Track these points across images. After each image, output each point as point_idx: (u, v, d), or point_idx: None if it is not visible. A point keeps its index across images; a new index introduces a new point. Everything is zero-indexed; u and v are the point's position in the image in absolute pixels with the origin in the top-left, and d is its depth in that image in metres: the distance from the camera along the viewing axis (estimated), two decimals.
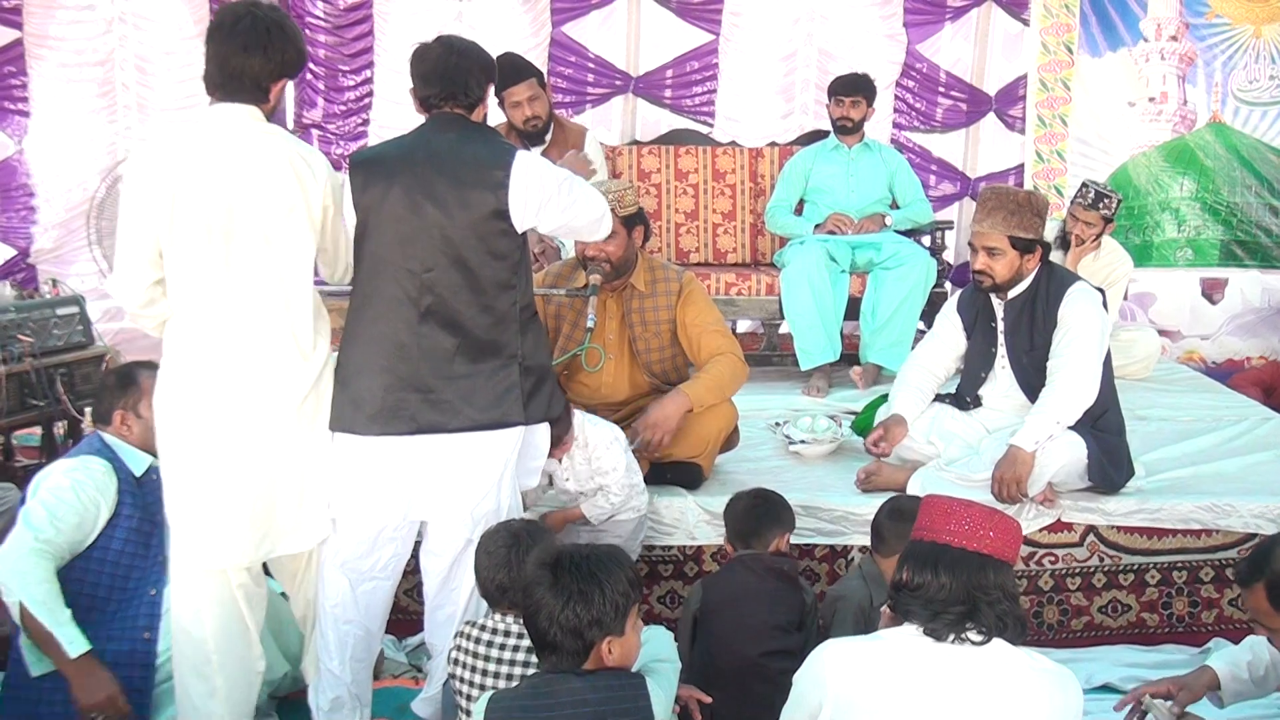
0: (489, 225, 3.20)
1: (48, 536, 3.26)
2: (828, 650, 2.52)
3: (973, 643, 2.42)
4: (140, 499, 3.48)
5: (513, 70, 5.75)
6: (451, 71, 3.28)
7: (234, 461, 3.11)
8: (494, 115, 5.90)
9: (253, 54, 3.06)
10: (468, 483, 3.29)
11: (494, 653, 3.00)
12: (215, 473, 3.11)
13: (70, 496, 3.34)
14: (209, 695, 3.23)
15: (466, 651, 3.03)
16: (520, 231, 3.28)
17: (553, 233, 3.42)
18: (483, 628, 3.05)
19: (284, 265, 3.11)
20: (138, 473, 3.51)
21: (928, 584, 2.47)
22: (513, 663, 2.96)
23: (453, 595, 3.39)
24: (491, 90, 3.41)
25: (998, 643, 2.44)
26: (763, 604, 3.37)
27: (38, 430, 5.21)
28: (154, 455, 3.39)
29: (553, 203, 3.28)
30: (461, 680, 3.02)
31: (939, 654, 2.43)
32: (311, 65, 7.25)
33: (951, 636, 2.43)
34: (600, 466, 3.86)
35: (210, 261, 3.06)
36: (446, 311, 3.21)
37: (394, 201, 3.19)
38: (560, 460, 3.83)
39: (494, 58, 3.46)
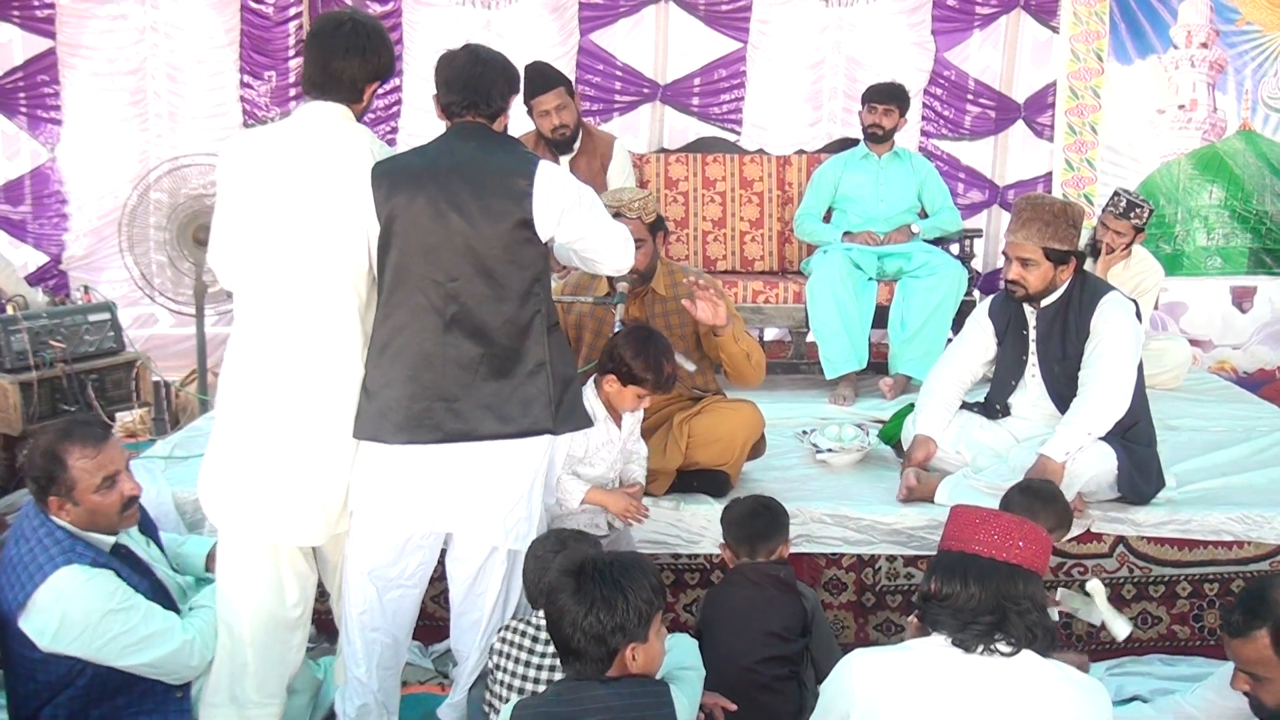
0: (514, 234, 3.20)
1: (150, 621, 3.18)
2: (856, 659, 2.51)
3: (1001, 654, 2.41)
4: (127, 573, 3.23)
5: (541, 79, 5.76)
6: (475, 80, 3.29)
7: (295, 441, 3.21)
8: (522, 124, 5.97)
9: (352, 56, 3.22)
10: (496, 492, 3.28)
11: (537, 647, 3.04)
12: (275, 451, 3.21)
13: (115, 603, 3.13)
14: (240, 672, 3.27)
15: (510, 644, 3.09)
16: (544, 240, 3.28)
17: (575, 249, 3.39)
18: (526, 623, 3.11)
19: (350, 252, 3.21)
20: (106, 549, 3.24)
21: (956, 594, 2.46)
22: (553, 668, 2.99)
23: (478, 602, 3.38)
24: (514, 101, 3.42)
25: (1026, 653, 2.43)
26: (760, 612, 3.37)
27: None
28: (103, 533, 3.20)
29: (575, 211, 3.28)
30: (502, 673, 3.07)
31: (967, 664, 2.42)
32: None
33: (980, 648, 2.41)
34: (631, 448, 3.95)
35: (278, 242, 3.18)
36: (472, 321, 3.21)
37: (418, 211, 3.19)
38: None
39: (519, 69, 3.48)
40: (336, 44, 3.22)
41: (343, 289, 3.21)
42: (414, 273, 3.21)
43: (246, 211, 3.20)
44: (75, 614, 3.03)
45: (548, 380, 3.27)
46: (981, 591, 2.44)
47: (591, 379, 3.83)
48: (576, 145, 5.90)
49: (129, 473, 3.26)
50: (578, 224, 3.32)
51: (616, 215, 4.11)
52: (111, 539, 3.24)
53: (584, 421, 3.46)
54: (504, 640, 3.12)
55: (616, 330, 3.99)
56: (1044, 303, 4.17)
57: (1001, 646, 2.42)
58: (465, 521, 3.32)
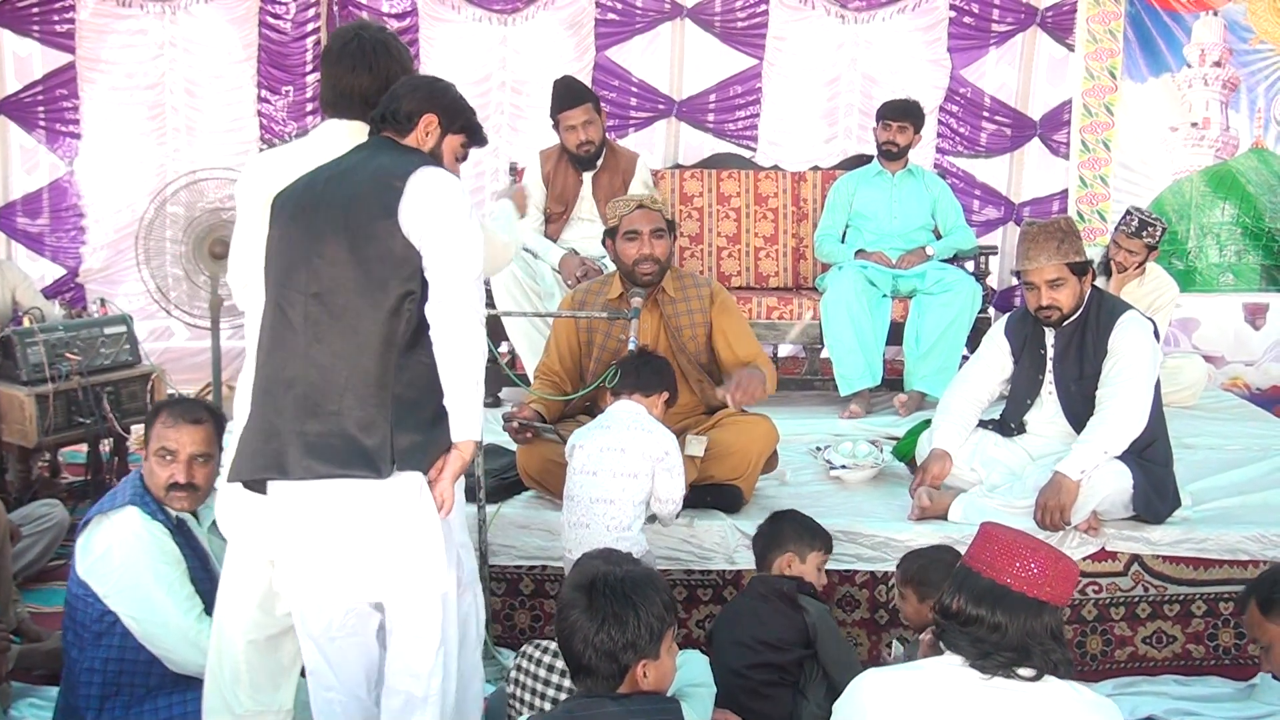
0: (379, 237, 2.79)
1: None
2: (867, 679, 2.49)
3: (1022, 678, 2.38)
4: (180, 543, 3.45)
5: (569, 94, 5.78)
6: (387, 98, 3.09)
7: None
8: (546, 138, 5.99)
9: (360, 72, 3.17)
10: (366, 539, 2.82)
11: (558, 663, 3.06)
12: None
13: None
14: (234, 680, 3.21)
15: (530, 660, 3.12)
16: (411, 241, 2.76)
17: (430, 252, 2.79)
18: (545, 649, 3.12)
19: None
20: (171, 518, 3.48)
21: (982, 621, 2.40)
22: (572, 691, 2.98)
23: (403, 680, 2.88)
24: (433, 125, 3.01)
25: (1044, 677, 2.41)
26: (758, 622, 3.41)
27: (84, 448, 5.28)
28: (156, 500, 3.43)
29: (445, 218, 2.79)
30: (520, 689, 3.10)
31: (981, 686, 2.39)
32: None
33: (999, 673, 2.39)
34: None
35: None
36: (330, 341, 2.78)
37: (283, 224, 2.92)
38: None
39: (444, 92, 3.12)
40: (344, 62, 3.18)
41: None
42: (277, 286, 2.91)
43: (262, 233, 3.11)
44: (118, 549, 3.32)
45: (396, 412, 2.76)
46: (1009, 624, 2.39)
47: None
48: (599, 162, 5.91)
49: (198, 464, 3.41)
50: (444, 233, 2.83)
51: (640, 206, 4.23)
52: (174, 512, 3.45)
53: (423, 464, 2.79)
54: (525, 656, 3.13)
55: (632, 345, 4.00)
56: (1063, 323, 4.17)
57: (1023, 672, 2.38)
58: (336, 576, 2.89)
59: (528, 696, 3.09)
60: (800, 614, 3.43)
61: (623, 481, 3.69)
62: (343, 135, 3.15)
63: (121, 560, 3.31)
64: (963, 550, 2.61)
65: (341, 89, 3.18)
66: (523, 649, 3.17)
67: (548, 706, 3.00)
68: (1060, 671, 2.40)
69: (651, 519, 3.93)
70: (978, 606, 2.42)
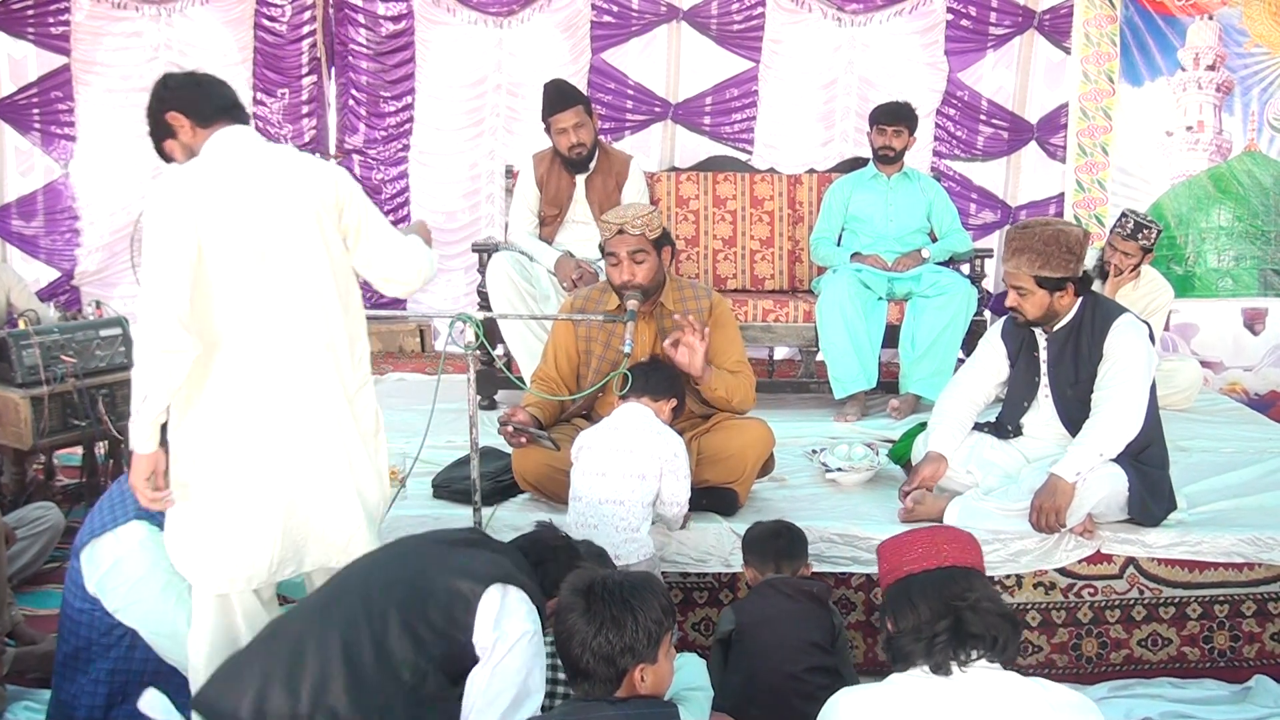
0: None
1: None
2: (843, 699, 2.52)
3: (976, 663, 2.42)
4: None
5: (560, 97, 5.76)
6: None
7: (269, 483, 3.11)
8: (541, 141, 5.99)
9: (221, 84, 3.25)
10: None
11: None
12: (253, 495, 3.10)
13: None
14: None
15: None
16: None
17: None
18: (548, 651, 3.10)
19: (316, 279, 3.14)
20: None
21: (910, 618, 2.50)
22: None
23: None
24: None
25: (1011, 675, 2.43)
26: (798, 623, 3.38)
27: (79, 450, 5.28)
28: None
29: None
30: None
31: (949, 690, 2.43)
32: (353, 91, 7.35)
33: (955, 665, 2.42)
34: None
35: (247, 285, 3.06)
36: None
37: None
38: None
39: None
40: (212, 80, 3.27)
41: (319, 314, 3.16)
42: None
43: (201, 260, 3.02)
44: (126, 563, 3.34)
45: None
46: (927, 603, 2.49)
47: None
48: (593, 164, 5.90)
49: None
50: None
51: (620, 232, 4.12)
52: None
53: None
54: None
55: (627, 347, 3.99)
56: (1055, 326, 4.17)
57: (974, 655, 2.43)
58: None
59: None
60: (830, 616, 3.45)
61: (632, 483, 3.71)
62: (248, 141, 3.18)
63: (130, 574, 3.33)
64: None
65: (223, 100, 3.21)
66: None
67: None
68: (1004, 631, 2.45)
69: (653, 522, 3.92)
70: (901, 608, 2.53)
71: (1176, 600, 4.19)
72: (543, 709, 2.95)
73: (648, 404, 3.88)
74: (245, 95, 7.28)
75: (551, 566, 3.05)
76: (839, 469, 4.76)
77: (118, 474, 5.11)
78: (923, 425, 4.58)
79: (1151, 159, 7.29)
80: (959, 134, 7.41)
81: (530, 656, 2.78)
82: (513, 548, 3.09)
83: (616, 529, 3.68)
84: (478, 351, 3.80)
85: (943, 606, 2.47)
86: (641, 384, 3.92)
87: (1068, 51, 7.25)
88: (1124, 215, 6.01)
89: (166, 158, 3.29)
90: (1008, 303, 4.14)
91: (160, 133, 3.26)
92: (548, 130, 5.84)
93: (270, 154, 3.17)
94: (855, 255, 6.11)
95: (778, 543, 3.61)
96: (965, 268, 6.28)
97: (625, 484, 3.72)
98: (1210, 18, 7.14)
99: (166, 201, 3.02)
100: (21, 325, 5.16)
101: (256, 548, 3.12)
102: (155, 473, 2.99)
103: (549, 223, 6.00)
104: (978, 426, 4.44)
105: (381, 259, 3.29)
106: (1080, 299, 4.16)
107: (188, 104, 3.19)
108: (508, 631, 2.76)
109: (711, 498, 4.22)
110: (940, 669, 2.43)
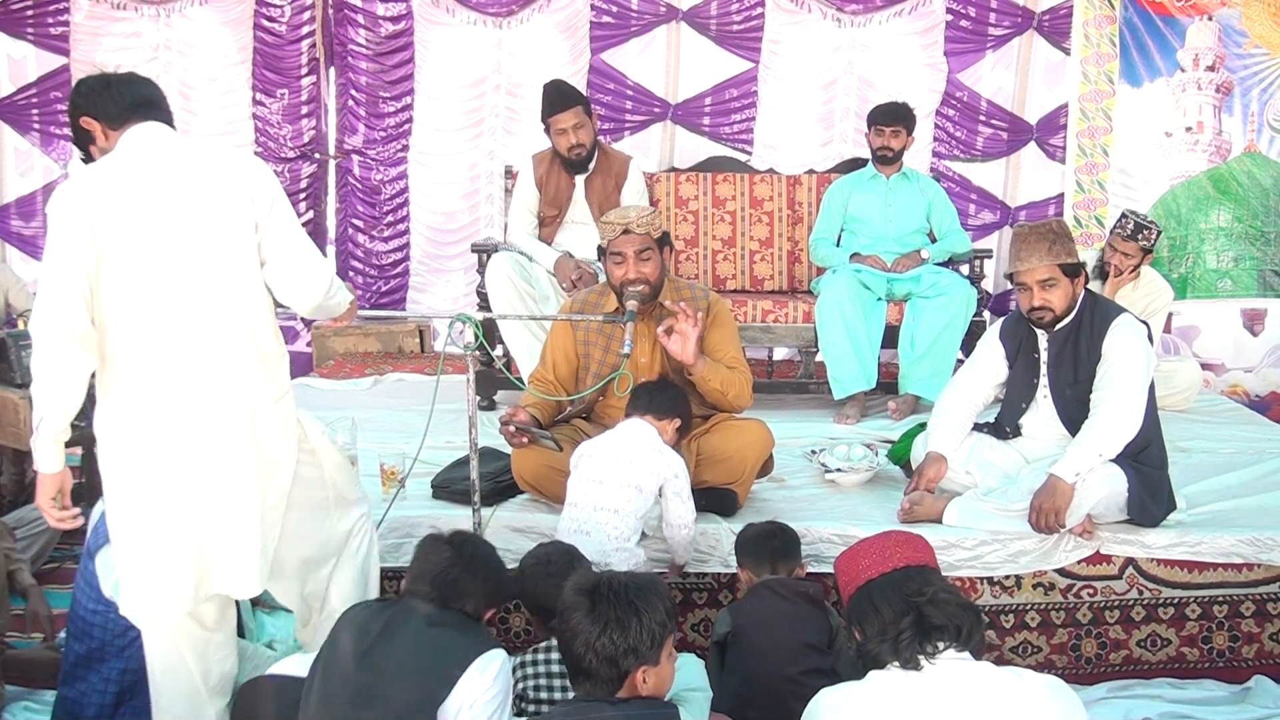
0: None
1: None
2: (824, 698, 2.54)
3: (944, 654, 2.46)
4: None
5: (559, 97, 5.76)
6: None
7: (181, 501, 3.02)
8: (541, 141, 6.00)
9: (135, 82, 3.16)
10: None
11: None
12: (163, 515, 3.03)
13: None
14: None
15: (538, 664, 3.14)
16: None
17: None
18: (551, 648, 3.13)
19: (228, 285, 3.02)
20: None
21: (873, 622, 2.55)
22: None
23: None
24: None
25: (984, 665, 2.47)
26: (794, 625, 3.38)
27: (78, 450, 5.26)
28: None
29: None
30: (531, 690, 3.10)
31: (924, 683, 2.45)
32: (353, 92, 7.35)
33: (924, 660, 2.46)
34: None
35: (149, 290, 2.95)
36: None
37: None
38: None
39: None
40: (133, 79, 3.18)
41: (232, 320, 3.04)
42: None
43: (99, 263, 2.91)
44: None
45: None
46: (886, 603, 2.55)
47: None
48: (592, 165, 5.90)
49: None
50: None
51: (625, 231, 4.12)
52: None
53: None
54: (533, 662, 3.14)
55: (626, 348, 3.99)
56: (1055, 326, 4.17)
57: (941, 646, 2.46)
58: None
59: (537, 695, 3.08)
60: (827, 617, 3.44)
61: (629, 493, 3.71)
62: (160, 138, 3.09)
63: None
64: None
65: (140, 98, 3.12)
66: (528, 654, 3.18)
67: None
68: (967, 620, 2.49)
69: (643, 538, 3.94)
70: (863, 614, 2.59)
71: (1176, 601, 4.20)
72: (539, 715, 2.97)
73: (651, 422, 3.87)
74: (244, 95, 7.30)
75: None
76: (838, 470, 4.76)
77: None
78: (922, 426, 4.58)
79: (1151, 160, 7.28)
80: (958, 135, 7.40)
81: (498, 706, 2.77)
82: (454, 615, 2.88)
83: (609, 537, 3.68)
84: (477, 352, 3.80)
85: (903, 604, 2.52)
86: (645, 402, 3.91)
87: (1067, 52, 7.24)
88: (1124, 216, 6.01)
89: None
90: (1034, 302, 4.12)
91: (80, 140, 3.14)
92: (547, 131, 5.84)
93: (181, 151, 3.05)
94: (854, 256, 6.11)
95: (773, 543, 3.61)
96: (964, 268, 6.28)
97: (622, 493, 3.71)
98: (1210, 18, 7.13)
99: (63, 209, 2.90)
100: (21, 325, 5.17)
101: (173, 571, 3.04)
102: (62, 492, 2.98)
103: (548, 223, 6.00)
104: (977, 427, 4.45)
105: (284, 256, 3.10)
106: (1080, 299, 4.17)
107: (97, 107, 3.08)
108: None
109: (711, 498, 4.21)
110: (909, 664, 2.47)
